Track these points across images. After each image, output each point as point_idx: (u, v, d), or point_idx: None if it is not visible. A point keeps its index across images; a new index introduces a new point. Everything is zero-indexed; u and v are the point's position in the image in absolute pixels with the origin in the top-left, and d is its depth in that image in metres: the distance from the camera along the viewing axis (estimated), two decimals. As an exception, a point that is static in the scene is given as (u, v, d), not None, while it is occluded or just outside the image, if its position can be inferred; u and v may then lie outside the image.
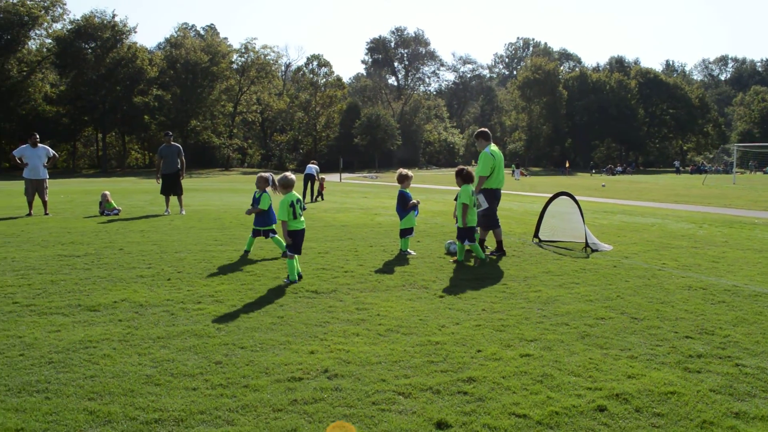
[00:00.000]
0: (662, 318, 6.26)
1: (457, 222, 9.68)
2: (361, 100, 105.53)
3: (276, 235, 9.91)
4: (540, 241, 11.75)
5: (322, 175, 25.75)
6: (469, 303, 6.81)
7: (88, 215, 16.07)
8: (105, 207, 16.56)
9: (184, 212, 16.64)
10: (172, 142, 16.97)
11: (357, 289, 7.42)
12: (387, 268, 8.82)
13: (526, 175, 64.06)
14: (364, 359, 4.87)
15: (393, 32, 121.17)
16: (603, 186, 39.10)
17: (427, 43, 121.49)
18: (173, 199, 17.19)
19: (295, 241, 8.00)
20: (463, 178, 9.65)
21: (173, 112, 79.73)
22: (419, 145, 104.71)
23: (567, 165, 77.94)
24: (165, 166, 16.78)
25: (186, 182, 17.16)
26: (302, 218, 8.20)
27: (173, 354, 4.95)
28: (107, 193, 17.19)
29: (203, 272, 8.40)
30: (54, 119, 75.08)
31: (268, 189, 10.05)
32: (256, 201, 9.97)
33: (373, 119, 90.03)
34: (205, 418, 3.78)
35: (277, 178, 8.26)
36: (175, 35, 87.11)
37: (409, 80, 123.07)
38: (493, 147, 10.40)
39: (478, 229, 9.95)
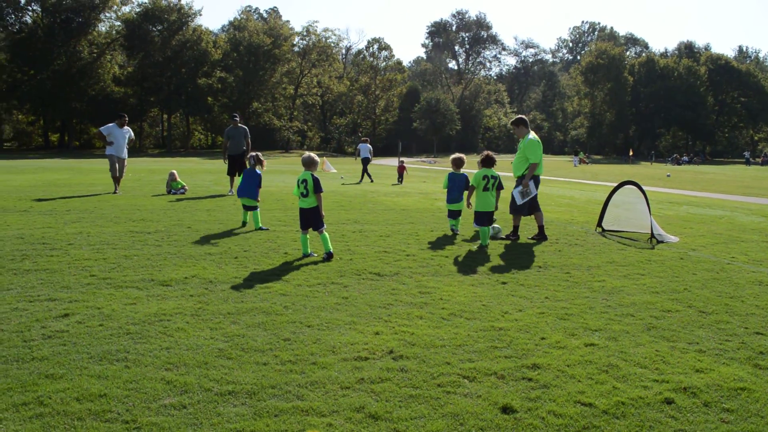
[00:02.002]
0: (731, 313, 6.11)
1: (470, 207, 10.06)
2: (421, 84, 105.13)
3: (256, 210, 10.80)
4: (603, 230, 11.56)
5: (402, 158, 26.07)
6: (532, 290, 6.79)
7: (156, 194, 16.59)
8: (171, 186, 17.05)
9: (247, 193, 16.96)
10: (240, 124, 17.31)
11: (419, 273, 7.49)
12: (448, 253, 8.85)
13: (587, 163, 62.79)
14: (428, 342, 4.93)
15: (454, 15, 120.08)
16: (668, 176, 38.03)
17: (488, 27, 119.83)
18: (237, 179, 17.53)
19: (300, 217, 8.44)
20: (486, 162, 9.79)
21: (236, 94, 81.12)
22: (478, 130, 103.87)
23: (631, 153, 76.01)
24: (231, 147, 17.14)
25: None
26: (307, 198, 8.36)
27: (243, 330, 5.12)
28: (174, 172, 17.74)
29: (268, 251, 8.59)
30: (122, 100, 77.36)
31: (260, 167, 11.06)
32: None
33: (433, 103, 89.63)
34: (276, 393, 3.91)
35: (303, 155, 8.63)
36: (239, 18, 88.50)
37: (470, 64, 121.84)
38: (534, 134, 10.43)
39: (508, 216, 10.39)
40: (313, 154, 8.59)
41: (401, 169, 25.57)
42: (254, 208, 10.84)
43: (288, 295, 6.28)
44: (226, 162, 17.45)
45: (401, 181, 24.70)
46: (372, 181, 24.91)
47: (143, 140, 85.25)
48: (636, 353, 4.85)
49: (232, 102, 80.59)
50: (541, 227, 10.36)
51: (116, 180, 16.73)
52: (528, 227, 11.38)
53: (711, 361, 4.74)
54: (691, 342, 5.18)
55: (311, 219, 8.39)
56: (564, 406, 3.84)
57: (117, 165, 16.60)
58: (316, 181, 8.35)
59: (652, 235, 10.46)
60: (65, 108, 72.56)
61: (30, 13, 75.51)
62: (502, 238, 10.25)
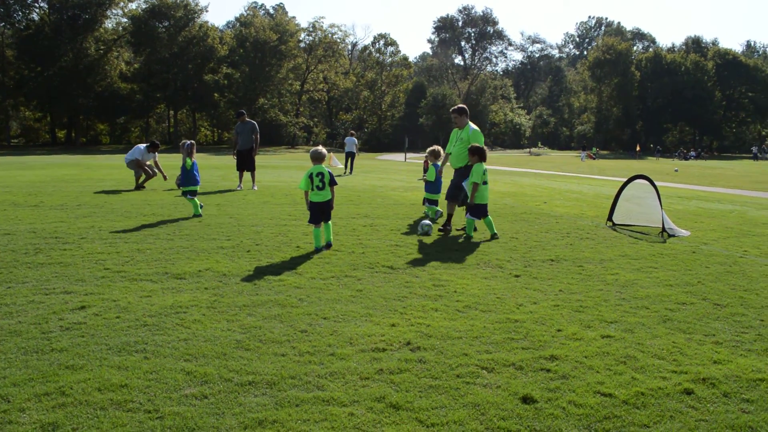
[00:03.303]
0: (746, 305, 6.10)
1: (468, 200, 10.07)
2: (427, 80, 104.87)
3: (193, 198, 11.27)
4: (614, 224, 11.54)
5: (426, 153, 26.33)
6: (546, 283, 6.79)
7: (166, 188, 16.62)
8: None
9: (256, 188, 17.01)
10: (247, 119, 17.33)
11: (432, 266, 7.49)
12: (459, 246, 8.85)
13: (593, 158, 62.63)
14: (445, 334, 4.94)
15: (460, 11, 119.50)
16: (676, 171, 37.91)
17: (495, 22, 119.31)
18: (246, 174, 17.56)
19: (311, 211, 8.40)
20: (480, 156, 9.82)
21: (242, 90, 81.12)
22: (485, 126, 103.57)
23: (638, 148, 75.76)
24: (240, 143, 17.17)
25: (256, 159, 17.50)
26: (322, 191, 8.41)
27: (260, 322, 5.13)
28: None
29: (280, 245, 8.61)
30: (128, 96, 77.53)
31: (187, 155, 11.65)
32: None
33: (439, 99, 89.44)
34: (296, 383, 3.93)
35: (310, 151, 8.75)
36: (245, 14, 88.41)
37: (476, 60, 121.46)
38: (474, 124, 10.58)
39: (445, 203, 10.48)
40: (322, 148, 8.70)
41: (426, 164, 25.65)
42: (196, 194, 11.49)
43: (302, 288, 6.30)
44: (235, 157, 17.47)
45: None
46: (350, 174, 25.65)
47: (150, 136, 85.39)
48: (653, 345, 4.84)
49: (239, 98, 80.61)
50: (449, 215, 10.32)
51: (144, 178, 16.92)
52: (457, 218, 11.36)
53: (728, 352, 4.73)
54: (708, 334, 5.17)
55: (326, 211, 8.46)
56: (584, 397, 3.84)
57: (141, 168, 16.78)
58: (331, 175, 8.49)
59: (664, 229, 10.43)
60: (72, 104, 72.72)
61: (37, 10, 75.63)
62: (440, 230, 10.14)
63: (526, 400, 3.77)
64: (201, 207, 11.50)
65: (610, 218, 11.67)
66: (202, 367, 4.14)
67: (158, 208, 12.25)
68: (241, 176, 17.46)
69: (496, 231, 9.80)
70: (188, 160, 11.53)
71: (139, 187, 16.58)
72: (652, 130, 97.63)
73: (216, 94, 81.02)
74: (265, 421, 3.44)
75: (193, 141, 12.06)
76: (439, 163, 11.64)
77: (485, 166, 9.83)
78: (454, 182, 10.40)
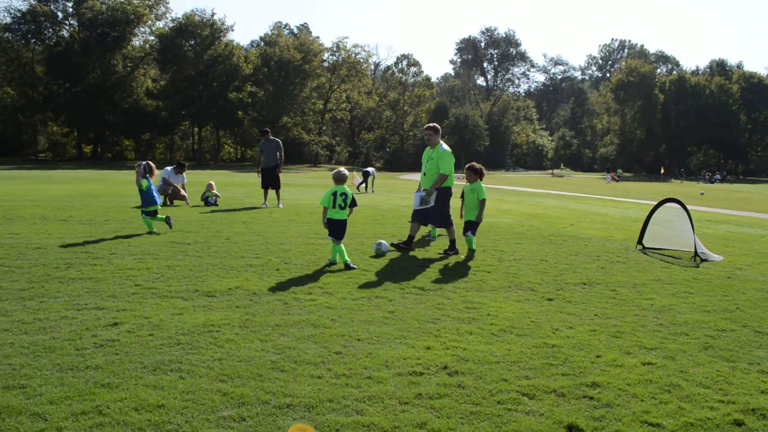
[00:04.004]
0: (789, 333, 5.93)
1: (463, 217, 10.15)
2: (449, 100, 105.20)
3: (147, 217, 11.28)
4: (644, 248, 11.36)
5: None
6: (580, 307, 6.67)
7: (193, 205, 16.72)
8: (207, 195, 17.28)
9: (281, 205, 17.03)
10: (272, 137, 17.40)
11: (462, 288, 7.40)
12: (488, 268, 8.75)
13: (618, 180, 62.12)
14: (482, 358, 4.84)
15: (483, 32, 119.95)
16: (702, 194, 37.46)
17: (517, 44, 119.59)
18: (271, 192, 17.60)
19: (329, 228, 8.63)
20: (479, 174, 9.99)
21: (266, 109, 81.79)
22: (507, 147, 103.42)
23: (662, 171, 75.09)
24: (264, 161, 17.23)
25: (281, 176, 17.54)
26: (343, 210, 8.65)
27: (293, 342, 5.07)
28: (212, 183, 17.98)
29: (309, 264, 8.57)
30: (154, 113, 78.51)
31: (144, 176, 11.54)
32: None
33: (461, 119, 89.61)
34: (334, 407, 3.85)
35: (333, 172, 8.95)
36: (270, 34, 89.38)
37: (499, 81, 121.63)
38: (446, 144, 10.41)
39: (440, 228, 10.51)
40: (344, 169, 8.90)
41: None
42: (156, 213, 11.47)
43: (334, 308, 6.24)
44: (260, 175, 17.52)
45: None
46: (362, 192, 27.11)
47: (174, 153, 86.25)
48: (696, 373, 4.71)
49: (262, 116, 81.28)
50: (452, 241, 10.14)
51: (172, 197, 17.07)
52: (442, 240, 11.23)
53: (776, 383, 4.58)
54: (752, 362, 5.02)
55: (340, 230, 8.62)
56: (630, 426, 3.73)
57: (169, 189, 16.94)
58: (353, 196, 8.71)
59: (696, 254, 10.25)
60: (99, 120, 73.76)
61: (67, 27, 77.14)
62: (446, 254, 9.98)
63: (572, 429, 3.66)
64: (167, 226, 11.61)
65: (640, 241, 11.50)
66: (239, 388, 4.09)
67: (186, 224, 12.29)
68: (266, 194, 17.50)
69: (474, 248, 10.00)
70: (143, 182, 11.41)
71: (169, 203, 16.71)
72: (676, 153, 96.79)
73: (240, 112, 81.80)
74: (305, 445, 3.37)
75: (149, 162, 12.05)
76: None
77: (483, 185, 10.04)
78: (433, 211, 10.18)
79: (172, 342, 5.00)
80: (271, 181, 17.26)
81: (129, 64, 78.45)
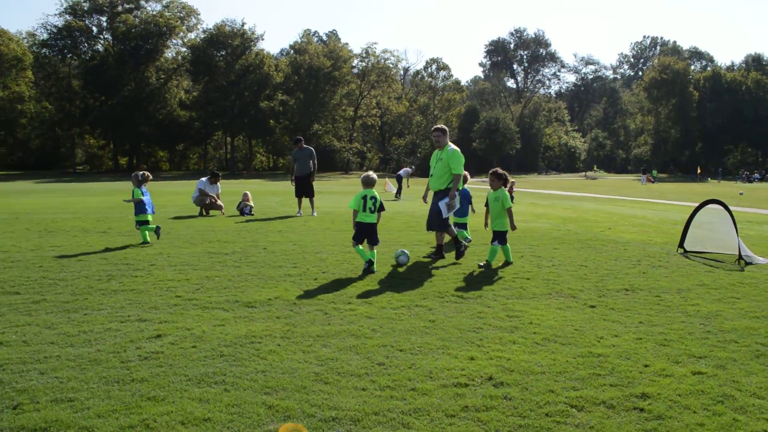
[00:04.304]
0: (844, 339, 5.73)
1: (488, 226, 9.89)
2: (480, 104, 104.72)
3: (143, 227, 11.40)
4: (685, 251, 11.13)
5: (512, 179, 26.91)
6: (624, 315, 6.54)
7: (230, 215, 16.89)
8: (243, 205, 17.42)
9: (315, 214, 17.09)
10: (305, 146, 17.48)
11: (503, 296, 7.31)
12: (527, 274, 8.64)
13: (652, 181, 61.18)
14: (527, 368, 4.76)
15: (512, 34, 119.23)
16: (741, 194, 36.65)
17: (547, 45, 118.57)
18: (305, 200, 17.68)
19: (357, 230, 8.86)
20: (502, 179, 9.70)
21: (297, 117, 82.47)
22: (538, 149, 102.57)
23: (699, 171, 73.74)
24: (298, 169, 17.31)
25: (314, 185, 17.59)
26: (373, 214, 8.92)
27: (335, 353, 5.05)
28: (248, 193, 18.14)
29: (346, 273, 8.56)
30: (187, 123, 79.75)
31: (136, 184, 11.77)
32: None
33: (492, 123, 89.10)
34: (380, 419, 3.82)
35: (362, 176, 9.18)
36: (300, 41, 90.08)
37: (529, 82, 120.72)
38: (454, 145, 10.13)
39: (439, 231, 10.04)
40: (373, 174, 9.12)
41: (510, 189, 25.73)
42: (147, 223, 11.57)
43: (374, 317, 6.21)
44: (293, 184, 17.60)
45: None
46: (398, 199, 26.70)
47: (207, 163, 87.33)
48: (750, 383, 4.57)
49: (293, 124, 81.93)
50: (439, 246, 9.97)
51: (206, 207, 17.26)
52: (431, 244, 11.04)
53: (834, 392, 4.42)
54: (808, 371, 4.86)
55: (372, 234, 8.89)
56: (685, 440, 3.62)
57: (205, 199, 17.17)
58: (381, 201, 9.03)
59: (740, 257, 10.00)
60: (134, 132, 75.20)
61: (102, 42, 78.76)
62: (429, 257, 9.91)
63: (624, 442, 3.57)
64: (155, 236, 11.65)
65: (681, 245, 11.27)
66: (283, 401, 4.08)
67: (222, 234, 12.40)
68: (299, 202, 17.58)
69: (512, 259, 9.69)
70: (136, 191, 11.59)
71: (205, 213, 16.90)
72: (713, 152, 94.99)
73: (271, 121, 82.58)
74: (352, 460, 3.34)
75: (145, 171, 12.26)
76: (466, 186, 11.49)
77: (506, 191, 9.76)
78: (433, 210, 9.98)
79: (215, 354, 5.02)
80: (304, 190, 17.32)
81: (162, 76, 79.84)
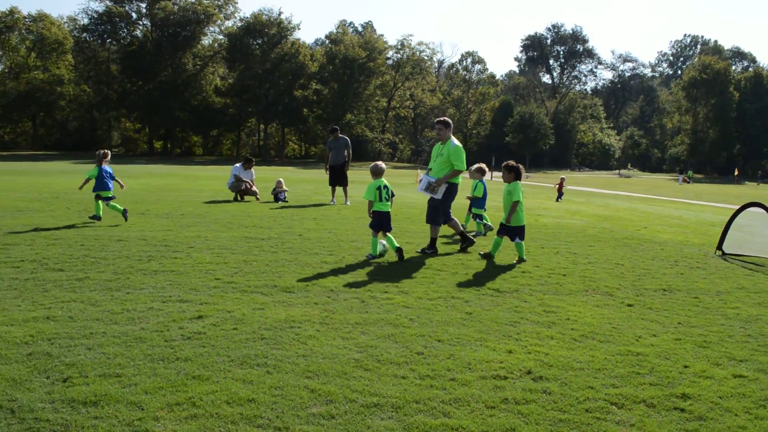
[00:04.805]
0: None
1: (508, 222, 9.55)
2: (514, 98, 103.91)
3: (98, 201, 11.73)
4: (724, 253, 10.96)
5: (562, 175, 26.84)
6: (662, 315, 6.48)
7: (265, 200, 17.08)
8: (277, 191, 17.59)
9: (348, 203, 17.16)
10: (340, 135, 17.55)
11: (539, 291, 7.30)
12: (563, 271, 8.60)
13: (688, 182, 60.23)
14: (566, 364, 4.76)
15: (549, 29, 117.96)
16: (780, 198, 35.92)
17: (584, 41, 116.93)
18: (338, 189, 17.77)
19: (376, 220, 9.11)
20: (514, 172, 9.54)
21: (330, 106, 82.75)
22: (572, 146, 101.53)
23: (736, 173, 72.35)
24: (332, 158, 17.40)
25: (349, 174, 17.66)
26: (388, 203, 9.24)
27: (374, 341, 5.10)
28: (281, 180, 18.31)
29: (382, 262, 8.61)
30: (222, 110, 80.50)
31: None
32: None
33: (526, 117, 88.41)
34: (421, 408, 3.86)
35: (370, 166, 9.46)
36: (335, 32, 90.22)
37: (565, 78, 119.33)
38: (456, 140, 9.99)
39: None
40: (382, 164, 9.53)
41: (560, 186, 25.83)
42: (112, 198, 11.95)
43: (411, 307, 6.25)
44: (328, 172, 17.70)
45: (560, 198, 25.34)
46: None
47: (241, 149, 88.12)
48: (793, 388, 4.52)
49: (327, 114, 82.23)
50: (433, 240, 9.80)
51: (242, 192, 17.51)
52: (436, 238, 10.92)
53: None
54: None
55: (388, 221, 9.21)
56: (728, 442, 3.60)
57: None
58: (392, 190, 9.45)
59: (782, 261, 9.84)
60: (169, 117, 76.13)
61: (140, 28, 79.80)
62: (423, 252, 9.66)
63: (666, 441, 3.57)
64: (123, 218, 11.80)
65: (719, 247, 11.10)
66: (325, 385, 4.14)
67: (258, 220, 12.54)
68: (333, 191, 17.68)
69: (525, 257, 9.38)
70: (94, 169, 11.87)
71: (240, 199, 17.10)
72: (752, 154, 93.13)
73: (305, 110, 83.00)
74: (395, 446, 3.38)
75: (104, 150, 12.58)
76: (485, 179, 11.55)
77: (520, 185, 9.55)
78: (431, 204, 9.90)
79: (256, 337, 5.10)
80: (338, 179, 17.41)
81: (198, 63, 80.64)
